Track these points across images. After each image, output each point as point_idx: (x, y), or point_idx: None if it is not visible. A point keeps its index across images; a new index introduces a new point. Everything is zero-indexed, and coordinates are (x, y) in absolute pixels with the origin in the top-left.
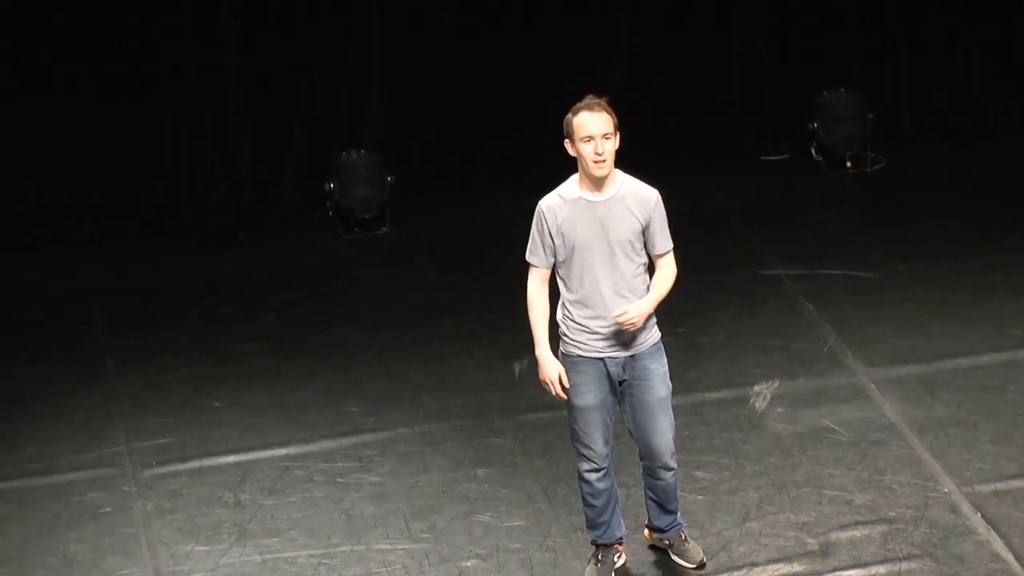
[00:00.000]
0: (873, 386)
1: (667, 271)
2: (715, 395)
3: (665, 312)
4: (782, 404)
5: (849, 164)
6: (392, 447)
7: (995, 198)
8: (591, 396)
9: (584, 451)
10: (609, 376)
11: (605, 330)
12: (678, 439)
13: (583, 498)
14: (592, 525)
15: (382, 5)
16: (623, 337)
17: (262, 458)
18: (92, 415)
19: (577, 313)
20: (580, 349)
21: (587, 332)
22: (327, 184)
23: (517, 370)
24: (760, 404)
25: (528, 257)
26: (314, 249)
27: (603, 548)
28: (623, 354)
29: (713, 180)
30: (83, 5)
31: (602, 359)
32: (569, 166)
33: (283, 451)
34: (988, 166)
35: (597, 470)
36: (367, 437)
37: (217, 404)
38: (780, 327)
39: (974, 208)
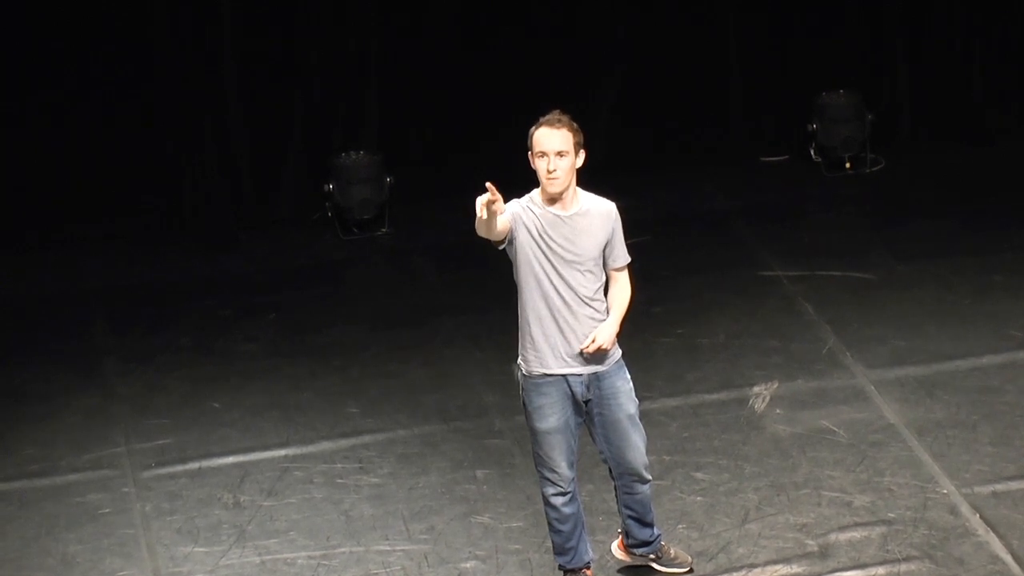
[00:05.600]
0: (872, 387)
1: (625, 287)
2: (714, 396)
3: (664, 313)
4: (781, 405)
5: (848, 165)
6: (391, 448)
7: (994, 199)
8: (555, 418)
9: (549, 475)
10: (573, 395)
11: (568, 347)
12: (650, 449)
13: (549, 524)
14: (560, 551)
15: (381, 6)
16: (587, 354)
17: (261, 459)
18: (91, 416)
19: (538, 329)
20: (543, 367)
21: (549, 349)
22: (326, 185)
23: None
24: (759, 405)
25: None
26: (313, 250)
27: (571, 573)
28: (587, 371)
29: (712, 181)
30: (83, 5)
31: (565, 376)
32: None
33: (282, 452)
34: (987, 167)
35: (563, 494)
36: (366, 438)
37: (216, 405)
38: (779, 328)
39: (973, 209)
